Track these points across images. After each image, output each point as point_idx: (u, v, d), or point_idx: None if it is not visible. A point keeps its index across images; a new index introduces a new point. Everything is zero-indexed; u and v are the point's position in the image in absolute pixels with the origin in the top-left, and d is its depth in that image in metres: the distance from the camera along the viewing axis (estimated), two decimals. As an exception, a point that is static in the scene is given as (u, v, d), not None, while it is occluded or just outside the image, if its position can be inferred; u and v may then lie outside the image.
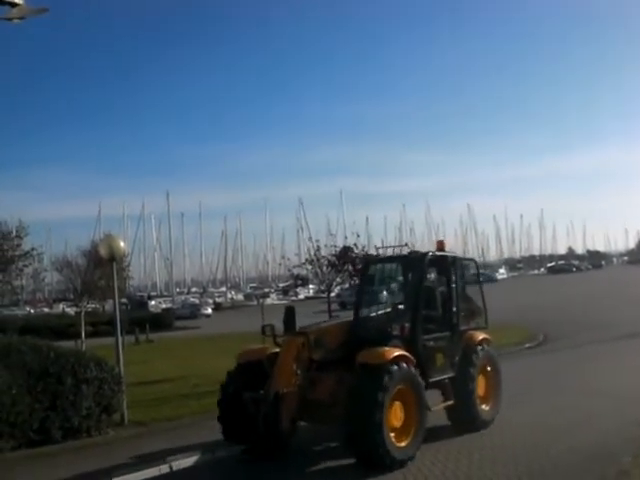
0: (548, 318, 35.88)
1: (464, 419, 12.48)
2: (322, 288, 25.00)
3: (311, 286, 77.79)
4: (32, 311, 73.31)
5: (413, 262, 12.93)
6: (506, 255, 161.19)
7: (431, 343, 11.98)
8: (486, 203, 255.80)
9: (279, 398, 10.33)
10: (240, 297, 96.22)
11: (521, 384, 16.37)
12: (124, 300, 49.65)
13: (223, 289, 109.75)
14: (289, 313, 11.85)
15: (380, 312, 12.85)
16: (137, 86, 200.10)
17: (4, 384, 12.12)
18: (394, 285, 14.52)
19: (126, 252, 27.18)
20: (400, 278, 13.89)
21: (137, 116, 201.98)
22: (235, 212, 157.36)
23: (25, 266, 29.64)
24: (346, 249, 23.52)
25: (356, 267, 24.23)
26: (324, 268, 23.55)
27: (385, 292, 14.70)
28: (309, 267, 25.31)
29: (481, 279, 15.01)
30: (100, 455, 9.04)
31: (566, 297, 55.20)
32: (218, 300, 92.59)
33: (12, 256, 28.14)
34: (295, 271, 27.85)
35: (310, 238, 27.67)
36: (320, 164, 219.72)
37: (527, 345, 26.49)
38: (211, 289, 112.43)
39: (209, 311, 74.45)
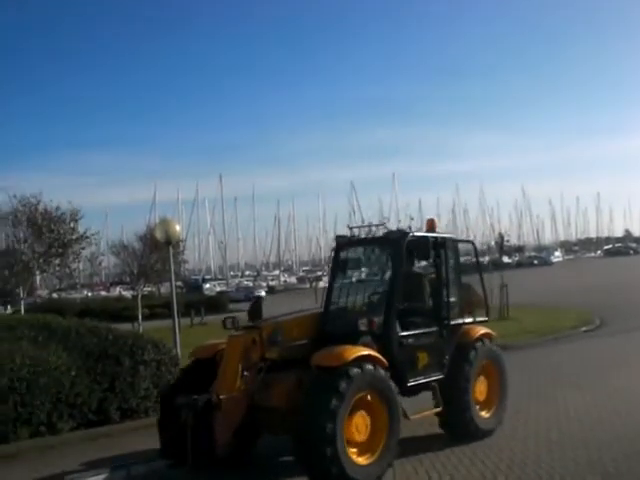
0: (605, 301, 35.14)
1: (456, 428, 10.82)
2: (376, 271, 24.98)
3: (363, 269, 77.30)
4: (90, 294, 74.51)
5: (390, 244, 10.82)
6: (562, 238, 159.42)
7: (410, 340, 10.18)
8: (541, 186, 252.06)
9: (213, 406, 8.54)
10: (293, 280, 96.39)
11: (579, 367, 16.20)
12: (179, 283, 50.36)
13: (276, 272, 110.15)
14: (255, 303, 10.21)
15: (353, 304, 11.23)
16: (189, 70, 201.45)
17: (63, 366, 12.34)
18: (371, 271, 12.35)
19: (181, 236, 27.53)
20: (378, 263, 11.99)
21: (189, 100, 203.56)
22: (288, 196, 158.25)
23: (82, 249, 30.22)
24: (400, 232, 23.48)
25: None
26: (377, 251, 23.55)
27: (361, 280, 12.39)
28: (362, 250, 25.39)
29: (481, 264, 13.04)
30: (157, 435, 9.17)
31: (623, 280, 54.17)
32: (271, 283, 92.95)
33: (68, 240, 28.67)
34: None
35: (362, 221, 27.67)
36: (373, 146, 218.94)
37: (584, 329, 26.07)
38: (264, 272, 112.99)
39: (263, 294, 74.86)
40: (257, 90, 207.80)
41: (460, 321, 11.10)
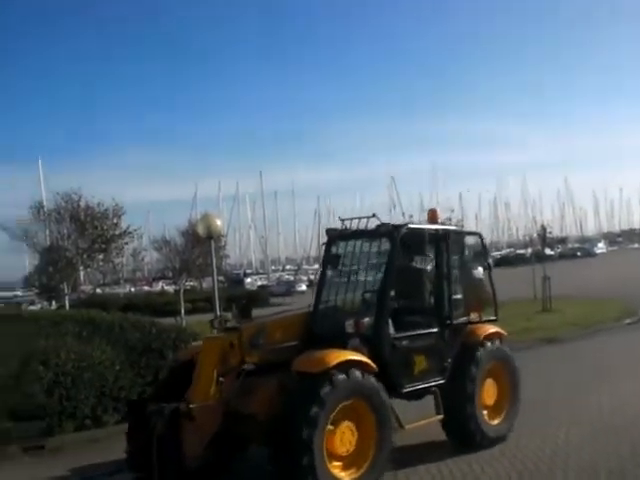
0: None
1: (460, 436, 10.07)
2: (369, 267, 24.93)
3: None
4: (132, 290, 75.22)
5: (382, 238, 10.03)
6: (605, 229, 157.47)
7: (405, 342, 9.34)
8: (584, 177, 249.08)
9: (181, 414, 7.96)
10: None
11: (621, 359, 16.04)
12: (221, 278, 50.52)
13: (317, 266, 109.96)
14: (245, 303, 9.52)
15: (344, 303, 10.28)
16: (228, 66, 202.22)
17: (107, 360, 12.50)
18: (365, 267, 10.96)
19: (223, 231, 27.70)
20: (371, 259, 10.84)
21: (229, 95, 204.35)
22: (327, 190, 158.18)
23: (125, 244, 30.56)
24: (442, 224, 23.40)
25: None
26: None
27: (353, 277, 10.87)
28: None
29: (488, 260, 11.87)
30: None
31: (668, 271, 53.37)
32: (312, 277, 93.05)
33: (111, 236, 29.01)
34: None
35: (403, 214, 27.66)
36: (414, 139, 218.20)
37: (627, 321, 25.72)
38: (305, 266, 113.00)
39: (303, 288, 74.75)
40: (297, 83, 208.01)
41: (465, 320, 10.26)
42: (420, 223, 10.77)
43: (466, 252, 11.22)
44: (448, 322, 9.90)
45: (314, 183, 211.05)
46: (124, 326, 13.98)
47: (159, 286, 72.17)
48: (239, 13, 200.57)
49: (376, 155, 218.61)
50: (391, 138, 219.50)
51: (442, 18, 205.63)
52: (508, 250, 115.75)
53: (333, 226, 10.89)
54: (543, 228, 40.31)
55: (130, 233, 30.09)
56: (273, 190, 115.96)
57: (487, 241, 12.20)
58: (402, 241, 9.51)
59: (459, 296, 10.29)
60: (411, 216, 23.77)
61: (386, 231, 9.66)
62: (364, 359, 8.52)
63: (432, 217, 10.64)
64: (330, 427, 8.05)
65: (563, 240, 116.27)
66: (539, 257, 37.53)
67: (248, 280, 79.06)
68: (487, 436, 10.03)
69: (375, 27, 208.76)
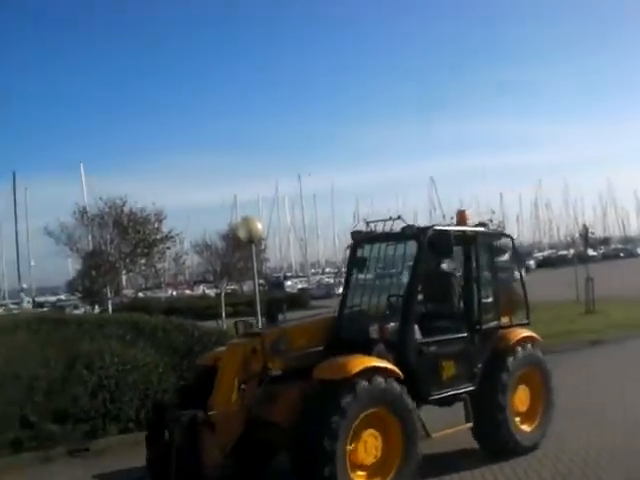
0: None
1: (492, 444, 9.81)
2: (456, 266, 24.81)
3: (443, 265, 76.96)
4: (174, 293, 75.81)
5: (408, 241, 9.71)
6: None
7: (433, 348, 9.08)
8: (626, 177, 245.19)
9: (200, 422, 7.81)
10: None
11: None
12: (261, 281, 50.76)
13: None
14: (273, 306, 9.42)
15: (370, 307, 10.07)
16: (267, 67, 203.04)
17: (151, 363, 12.62)
18: (392, 271, 10.94)
19: (263, 234, 27.81)
20: (398, 262, 10.49)
21: (269, 98, 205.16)
22: (366, 192, 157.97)
23: (167, 248, 30.83)
24: (481, 225, 23.24)
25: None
26: (459, 246, 23.40)
27: (380, 280, 11.10)
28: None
29: (520, 262, 11.72)
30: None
31: None
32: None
33: (153, 240, 29.30)
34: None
35: (444, 216, 27.54)
36: (454, 139, 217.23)
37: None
38: (345, 269, 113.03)
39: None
40: (335, 86, 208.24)
41: (495, 325, 9.96)
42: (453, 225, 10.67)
43: (496, 255, 10.88)
44: (477, 327, 9.63)
45: (353, 185, 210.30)
46: (167, 329, 14.10)
47: (200, 290, 72.67)
48: (281, 13, 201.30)
49: (416, 156, 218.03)
50: (430, 139, 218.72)
51: (485, 19, 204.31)
52: (550, 251, 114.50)
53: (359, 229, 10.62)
54: (585, 228, 39.90)
55: (172, 237, 30.36)
56: (312, 193, 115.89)
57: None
58: (429, 243, 9.23)
59: (489, 300, 10.10)
60: (452, 218, 23.37)
61: (412, 233, 9.43)
62: (388, 365, 8.29)
63: (461, 218, 10.32)
64: (353, 436, 7.86)
65: (606, 241, 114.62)
66: (581, 258, 37.13)
67: (288, 283, 79.24)
68: (520, 443, 9.76)
69: (411, 26, 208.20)
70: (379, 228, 10.07)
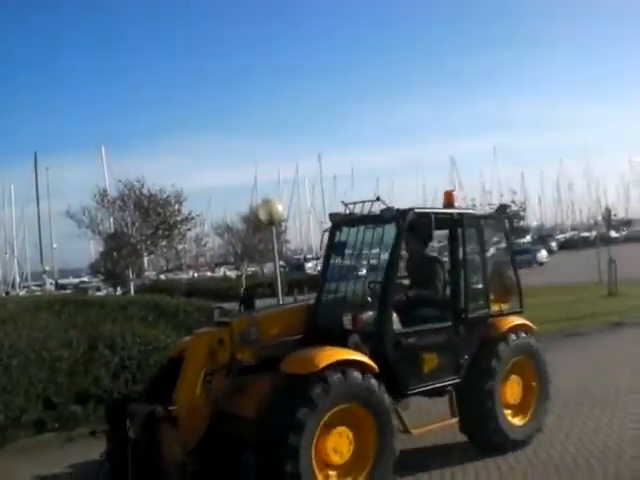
0: None
1: (479, 438, 9.19)
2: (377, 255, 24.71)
3: (365, 252, 76.32)
4: (195, 275, 76.08)
5: (386, 224, 8.92)
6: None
7: (412, 339, 8.40)
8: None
9: (159, 417, 7.36)
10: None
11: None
12: (282, 263, 50.78)
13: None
14: (248, 293, 8.76)
15: (350, 294, 9.29)
16: (299, 48, 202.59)
17: (173, 344, 12.59)
18: (373, 255, 9.86)
19: (284, 216, 27.82)
20: (379, 246, 9.36)
21: (288, 78, 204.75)
22: (386, 172, 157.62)
23: (188, 230, 30.93)
24: (503, 206, 23.13)
25: (514, 225, 23.87)
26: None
27: (360, 265, 10.40)
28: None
29: (514, 246, 10.73)
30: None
31: None
32: (373, 262, 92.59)
33: (174, 222, 29.38)
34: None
35: (465, 197, 27.42)
36: (474, 119, 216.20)
37: None
38: (365, 251, 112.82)
39: (363, 272, 74.77)
40: (353, 66, 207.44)
41: (484, 313, 9.23)
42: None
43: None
44: (463, 315, 8.88)
45: (373, 166, 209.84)
46: (188, 310, 14.16)
47: (221, 272, 72.85)
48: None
49: (437, 137, 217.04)
50: (452, 119, 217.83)
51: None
52: (572, 233, 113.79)
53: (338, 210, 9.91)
54: (608, 210, 39.67)
55: (192, 219, 30.43)
56: (332, 173, 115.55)
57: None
58: (409, 227, 8.55)
59: (479, 286, 9.39)
60: (473, 199, 23.42)
61: (390, 216, 8.61)
62: (362, 358, 7.66)
63: (448, 200, 9.45)
64: (323, 432, 7.28)
65: (628, 222, 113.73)
66: (604, 240, 36.83)
67: (309, 265, 79.05)
68: (510, 438, 9.11)
69: (445, 5, 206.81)
70: (363, 211, 9.37)
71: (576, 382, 12.52)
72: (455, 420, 8.93)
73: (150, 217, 29.16)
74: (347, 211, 9.57)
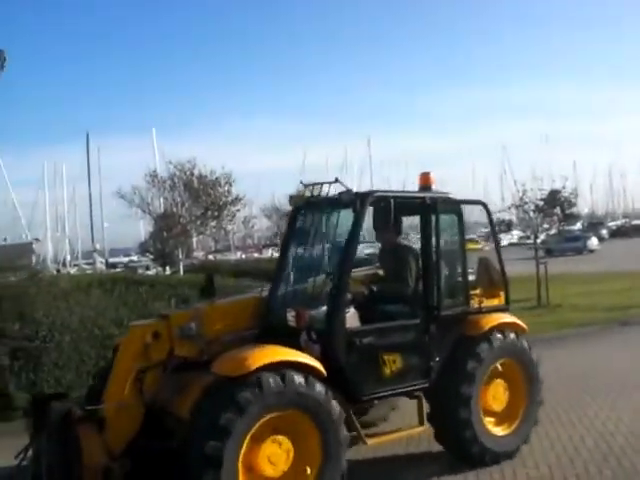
0: None
1: (453, 446, 8.22)
2: (527, 234, 24.45)
3: (514, 232, 76.25)
4: (243, 256, 76.41)
5: (344, 208, 7.94)
6: None
7: (370, 338, 7.48)
8: None
9: (76, 418, 6.65)
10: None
11: None
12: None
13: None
14: (208, 281, 8.63)
15: (306, 287, 8.20)
16: (338, 37, 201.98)
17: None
18: (335, 243, 8.59)
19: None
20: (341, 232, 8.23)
21: (340, 64, 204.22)
22: (438, 159, 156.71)
23: (237, 211, 31.03)
24: (554, 193, 22.86)
25: (565, 211, 23.52)
26: (530, 213, 23.10)
27: (321, 254, 8.87)
28: (514, 212, 24.99)
29: (496, 234, 9.90)
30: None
31: None
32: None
33: (223, 202, 29.50)
34: (499, 216, 27.20)
35: (515, 182, 27.09)
36: (526, 105, 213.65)
37: None
38: (413, 235, 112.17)
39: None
40: (404, 51, 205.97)
41: (461, 310, 8.26)
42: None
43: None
44: (435, 312, 7.93)
45: (424, 152, 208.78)
46: (237, 290, 14.18)
47: (269, 253, 73.08)
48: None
49: (488, 123, 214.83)
50: (503, 105, 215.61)
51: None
52: (623, 220, 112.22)
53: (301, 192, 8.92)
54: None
55: (241, 200, 30.52)
56: (381, 158, 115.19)
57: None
58: (375, 211, 7.73)
59: (458, 280, 8.55)
60: (523, 184, 23.07)
61: (349, 200, 7.67)
62: (306, 360, 6.83)
63: (424, 182, 8.35)
64: (255, 441, 6.54)
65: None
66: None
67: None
68: (488, 449, 8.04)
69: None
70: (324, 193, 8.29)
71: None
72: (421, 429, 8.19)
73: (200, 198, 29.30)
74: (308, 193, 8.50)
